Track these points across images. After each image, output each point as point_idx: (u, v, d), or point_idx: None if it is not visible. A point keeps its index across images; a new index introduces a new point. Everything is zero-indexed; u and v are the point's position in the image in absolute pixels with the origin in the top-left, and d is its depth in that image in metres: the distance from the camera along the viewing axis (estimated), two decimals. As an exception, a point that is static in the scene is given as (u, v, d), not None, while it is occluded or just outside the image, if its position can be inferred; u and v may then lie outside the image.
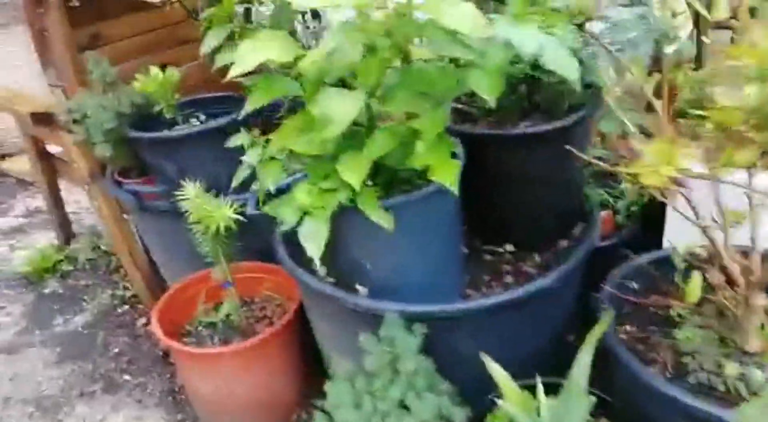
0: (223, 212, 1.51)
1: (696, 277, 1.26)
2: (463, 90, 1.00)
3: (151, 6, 1.63)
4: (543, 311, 1.36)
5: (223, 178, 1.75)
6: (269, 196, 1.57)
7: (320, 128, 0.99)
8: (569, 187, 1.43)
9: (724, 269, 1.28)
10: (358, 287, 1.31)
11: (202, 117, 1.88)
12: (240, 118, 1.70)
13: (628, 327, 1.37)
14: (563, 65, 0.85)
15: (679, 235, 1.57)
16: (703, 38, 1.63)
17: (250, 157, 1.18)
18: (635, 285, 1.44)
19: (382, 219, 1.09)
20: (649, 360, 1.29)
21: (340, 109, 1.00)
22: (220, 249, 1.60)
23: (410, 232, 1.17)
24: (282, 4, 1.13)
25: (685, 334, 1.31)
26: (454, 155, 1.04)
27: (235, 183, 1.25)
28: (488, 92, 0.88)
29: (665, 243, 1.67)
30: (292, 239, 1.56)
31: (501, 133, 1.31)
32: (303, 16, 1.14)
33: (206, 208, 1.52)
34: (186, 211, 1.55)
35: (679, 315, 1.38)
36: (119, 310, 2.35)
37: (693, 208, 1.24)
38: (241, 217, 1.51)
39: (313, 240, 1.11)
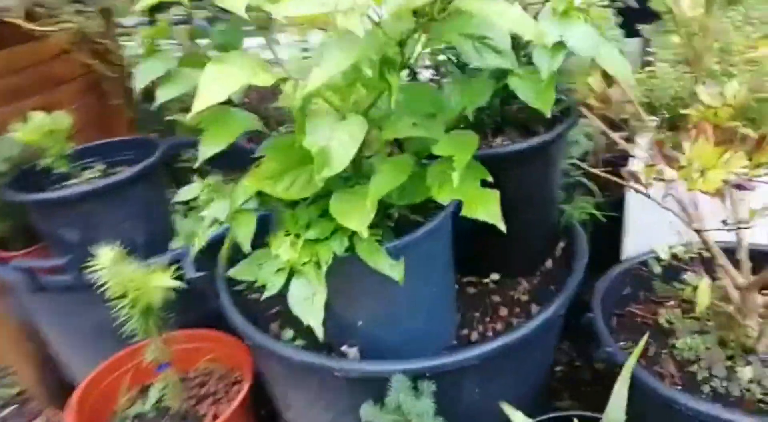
0: (157, 279, 1.23)
1: (704, 283, 1.20)
2: (476, 106, 0.86)
3: (23, 39, 1.32)
4: (549, 338, 1.24)
5: (138, 239, 1.47)
6: (204, 253, 1.33)
7: (320, 166, 0.79)
8: (549, 204, 1.33)
9: (709, 270, 1.24)
10: (345, 349, 1.11)
11: (101, 167, 1.57)
12: (154, 165, 1.47)
13: (622, 343, 1.30)
14: (619, 66, 0.73)
15: (637, 245, 1.54)
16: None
17: (216, 211, 0.94)
18: (617, 297, 1.38)
19: (392, 269, 0.91)
20: (656, 375, 1.22)
21: (340, 141, 0.80)
22: (153, 325, 1.31)
23: (412, 277, 0.99)
24: (233, 21, 0.91)
25: (685, 342, 1.26)
26: (484, 183, 0.88)
27: (197, 246, 1.00)
28: (541, 104, 0.74)
29: (626, 254, 1.64)
30: (245, 301, 1.33)
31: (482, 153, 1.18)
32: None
33: (133, 278, 1.23)
34: (101, 284, 1.25)
35: (669, 322, 1.34)
36: (3, 414, 1.91)
37: (684, 210, 1.19)
38: (179, 284, 1.24)
39: (311, 305, 0.89)
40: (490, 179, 0.88)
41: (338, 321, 1.08)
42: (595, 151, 1.80)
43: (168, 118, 0.85)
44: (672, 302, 1.40)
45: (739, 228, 1.12)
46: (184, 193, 1.00)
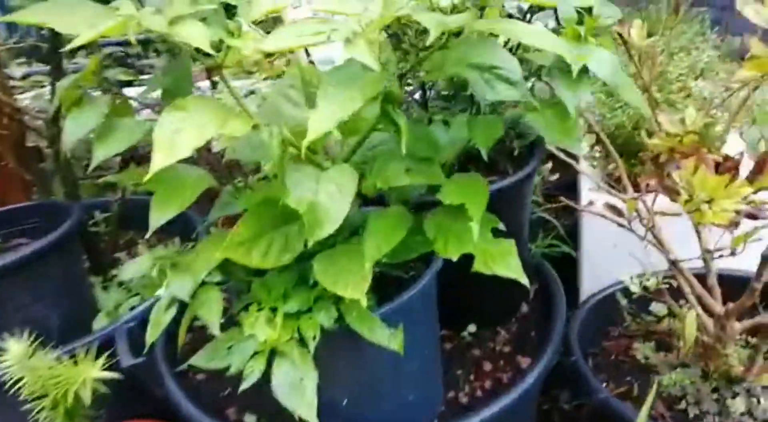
0: (85, 372, 1.02)
1: (690, 315, 1.15)
2: (493, 142, 0.76)
3: None
4: (538, 390, 1.15)
5: (52, 322, 1.25)
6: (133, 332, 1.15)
7: (311, 226, 0.66)
8: (522, 245, 1.25)
9: (676, 299, 1.22)
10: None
11: (-4, 242, 1.33)
12: (70, 234, 1.25)
13: (603, 385, 1.23)
14: (636, 96, 0.66)
15: (594, 284, 1.50)
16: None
17: (176, 289, 0.77)
18: (589, 335, 1.32)
19: (391, 341, 0.77)
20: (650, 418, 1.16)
21: (328, 194, 0.68)
22: (81, 427, 1.08)
23: (405, 343, 0.86)
24: (179, 55, 0.77)
25: (670, 378, 1.21)
26: (495, 232, 0.78)
27: (152, 336, 0.81)
28: (568, 141, 0.65)
29: (584, 283, 1.60)
30: (192, 384, 1.15)
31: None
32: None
33: (53, 373, 1.01)
34: (11, 385, 1.02)
35: (646, 357, 1.29)
36: None
37: (659, 241, 1.15)
38: (112, 375, 1.03)
39: (301, 393, 0.74)
40: (502, 227, 0.78)
41: (319, 402, 0.93)
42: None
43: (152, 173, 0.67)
44: (644, 336, 1.36)
45: (723, 256, 1.09)
46: (130, 269, 0.82)
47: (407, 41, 0.70)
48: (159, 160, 0.61)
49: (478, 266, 0.74)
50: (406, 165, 0.75)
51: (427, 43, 0.55)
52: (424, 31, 0.76)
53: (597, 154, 1.59)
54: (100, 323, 1.27)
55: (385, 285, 0.89)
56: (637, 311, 1.36)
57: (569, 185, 1.83)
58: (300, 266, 0.81)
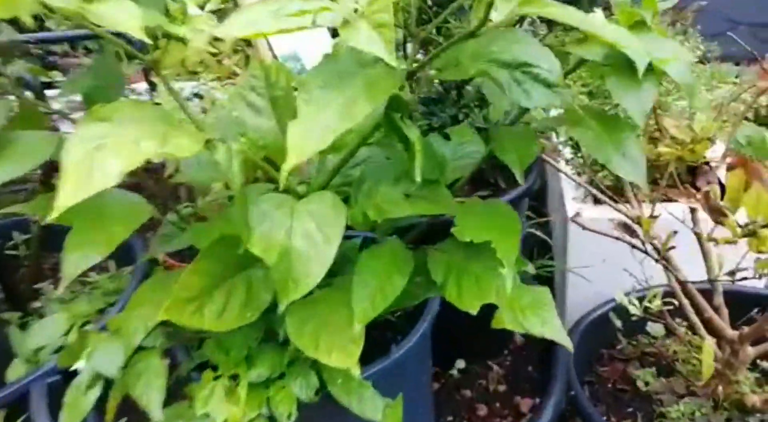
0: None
1: (707, 344, 1.03)
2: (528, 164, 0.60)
3: None
4: None
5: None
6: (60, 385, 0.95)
7: (283, 284, 0.48)
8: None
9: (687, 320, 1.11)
10: None
11: None
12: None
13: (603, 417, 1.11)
14: (701, 99, 0.52)
15: (579, 301, 1.39)
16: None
17: (99, 362, 0.57)
18: (581, 360, 1.20)
19: (385, 415, 0.60)
20: (659, 456, 1.03)
21: (306, 233, 0.50)
22: None
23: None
24: (104, 51, 0.58)
25: (679, 410, 1.09)
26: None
27: None
28: (624, 162, 0.49)
29: (569, 312, 1.48)
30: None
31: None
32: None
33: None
34: None
35: (646, 383, 1.17)
36: None
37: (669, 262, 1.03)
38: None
39: (273, 491, 0.56)
40: (532, 271, 0.62)
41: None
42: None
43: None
44: (639, 358, 1.24)
45: (747, 278, 0.97)
46: (40, 333, 0.62)
47: (406, 29, 0.53)
48: (69, 193, 0.42)
49: (505, 321, 0.58)
50: (404, 188, 0.58)
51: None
52: (422, 17, 0.60)
53: (581, 160, 1.46)
54: (15, 372, 1.04)
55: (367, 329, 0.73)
56: (631, 332, 1.24)
57: (538, 192, 1.71)
58: (266, 316, 0.63)
